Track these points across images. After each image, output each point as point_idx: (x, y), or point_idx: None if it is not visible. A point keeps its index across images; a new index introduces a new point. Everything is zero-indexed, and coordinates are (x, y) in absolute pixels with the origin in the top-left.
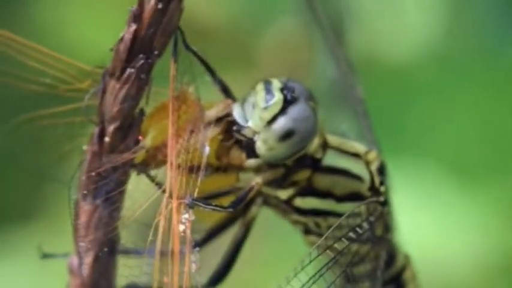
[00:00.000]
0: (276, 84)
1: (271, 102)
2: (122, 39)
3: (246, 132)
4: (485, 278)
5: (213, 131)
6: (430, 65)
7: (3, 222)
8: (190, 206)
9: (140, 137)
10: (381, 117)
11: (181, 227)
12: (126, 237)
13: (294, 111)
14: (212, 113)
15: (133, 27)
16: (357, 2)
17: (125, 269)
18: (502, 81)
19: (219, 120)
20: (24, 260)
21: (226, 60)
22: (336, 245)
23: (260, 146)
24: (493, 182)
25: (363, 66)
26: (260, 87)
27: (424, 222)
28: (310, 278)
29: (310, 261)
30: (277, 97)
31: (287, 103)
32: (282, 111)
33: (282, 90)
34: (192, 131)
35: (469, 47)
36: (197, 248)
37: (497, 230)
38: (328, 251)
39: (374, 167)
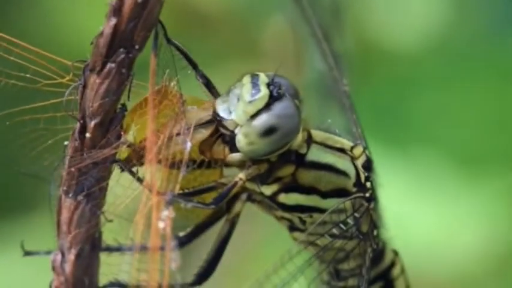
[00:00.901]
0: (263, 78)
1: (257, 96)
2: (101, 33)
3: (227, 124)
4: (492, 268)
5: (202, 134)
6: (436, 53)
7: (8, 212)
8: (171, 203)
9: (122, 133)
10: (387, 107)
11: (161, 224)
12: (108, 234)
13: (279, 107)
14: (196, 116)
15: (113, 21)
16: None
17: (107, 266)
18: (509, 71)
19: (205, 123)
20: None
21: (226, 49)
22: (318, 241)
23: (240, 140)
24: (500, 172)
25: (370, 56)
26: (246, 80)
27: (431, 212)
28: (291, 274)
29: (290, 258)
30: (263, 92)
31: (272, 99)
32: (267, 106)
33: (268, 85)
34: (173, 126)
35: (475, 35)
36: (177, 246)
37: (504, 220)
38: (310, 247)
39: (360, 162)
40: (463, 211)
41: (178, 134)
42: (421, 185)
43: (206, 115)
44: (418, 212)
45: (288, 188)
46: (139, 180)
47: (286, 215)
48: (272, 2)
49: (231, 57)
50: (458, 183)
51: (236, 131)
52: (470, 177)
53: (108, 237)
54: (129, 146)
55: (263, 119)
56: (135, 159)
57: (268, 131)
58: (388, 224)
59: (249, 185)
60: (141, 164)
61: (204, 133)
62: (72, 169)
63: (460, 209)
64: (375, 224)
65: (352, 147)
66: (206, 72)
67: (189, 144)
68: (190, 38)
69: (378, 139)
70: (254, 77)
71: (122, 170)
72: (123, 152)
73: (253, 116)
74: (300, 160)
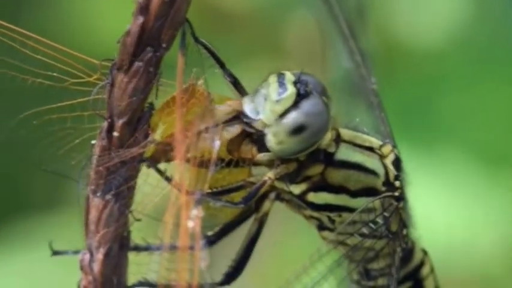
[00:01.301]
0: (289, 77)
1: (284, 95)
2: (128, 32)
3: (256, 125)
4: None
5: (231, 133)
6: (462, 52)
7: (28, 212)
8: (200, 202)
9: (149, 131)
10: (412, 106)
11: (190, 223)
12: (136, 233)
13: (307, 105)
14: (222, 113)
15: (141, 19)
16: None
17: (135, 266)
18: None
19: (232, 120)
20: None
21: (251, 47)
22: (347, 241)
23: (270, 140)
24: None
25: (394, 55)
26: (273, 79)
27: (455, 211)
28: (320, 274)
29: (320, 257)
30: (290, 90)
31: (300, 97)
32: (295, 105)
33: (295, 83)
34: (201, 125)
35: (499, 33)
36: (206, 245)
37: None
38: (340, 246)
39: (389, 160)
40: (487, 210)
41: (205, 133)
42: (446, 185)
43: (233, 114)
44: (442, 212)
45: (317, 187)
46: (168, 179)
47: (315, 214)
48: None
49: (255, 55)
50: (483, 183)
51: (265, 130)
52: (495, 177)
53: (136, 236)
54: (157, 145)
55: (292, 118)
56: (160, 156)
57: (298, 129)
58: (416, 223)
59: (277, 184)
60: (167, 160)
61: (233, 132)
62: (100, 168)
63: (485, 208)
64: (404, 223)
65: (381, 146)
66: (217, 74)
67: (217, 143)
68: (215, 36)
69: (403, 138)
70: (280, 76)
71: (149, 167)
72: (148, 149)
73: (282, 115)
74: (328, 159)
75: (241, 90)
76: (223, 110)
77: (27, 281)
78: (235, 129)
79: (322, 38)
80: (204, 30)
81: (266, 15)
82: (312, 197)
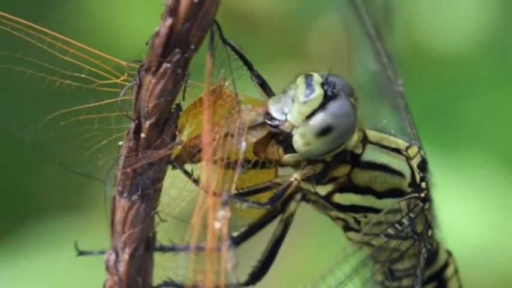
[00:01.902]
0: (317, 78)
1: (311, 96)
2: (157, 33)
3: (284, 126)
4: None
5: (257, 135)
6: (485, 56)
7: (56, 212)
8: (227, 203)
9: (176, 133)
10: (436, 109)
11: (217, 224)
12: (162, 234)
13: (334, 107)
14: (251, 117)
15: (169, 21)
16: None
17: (161, 267)
18: None
19: (260, 124)
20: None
21: (276, 50)
22: (373, 241)
23: (297, 141)
24: None
25: (418, 59)
26: (300, 81)
27: (479, 215)
28: (345, 274)
29: (346, 258)
30: (318, 92)
31: (327, 98)
32: (322, 106)
33: (322, 85)
34: (228, 126)
35: None
36: (233, 246)
37: None
38: (365, 247)
39: (415, 162)
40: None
41: (232, 134)
42: (470, 188)
43: (261, 117)
44: (466, 215)
45: (343, 188)
46: (195, 181)
47: (341, 215)
48: (321, 2)
49: (279, 58)
50: (506, 186)
51: (292, 132)
52: None
53: (163, 237)
54: (183, 146)
55: (319, 119)
56: (187, 157)
57: (325, 131)
58: (441, 224)
59: (303, 185)
60: (193, 162)
61: (259, 134)
62: (127, 169)
63: (509, 212)
64: (429, 225)
65: (407, 148)
66: (245, 76)
67: (244, 145)
68: (239, 39)
69: (427, 142)
70: (308, 77)
71: (175, 169)
72: (175, 151)
73: (309, 117)
74: (355, 160)
75: (268, 92)
76: (252, 113)
77: (51, 282)
78: (262, 132)
79: (348, 40)
80: (229, 32)
81: (291, 18)
82: (338, 198)
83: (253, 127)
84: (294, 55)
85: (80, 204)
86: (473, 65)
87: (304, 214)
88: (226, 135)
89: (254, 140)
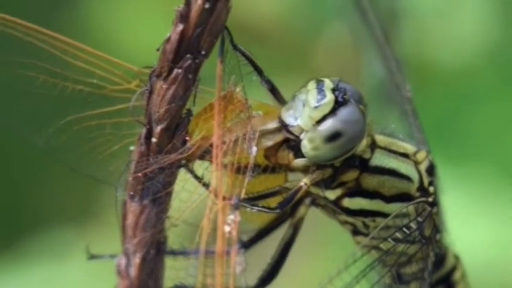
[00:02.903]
0: (328, 84)
1: (323, 102)
2: (168, 39)
3: (294, 129)
4: None
5: (269, 142)
6: (492, 69)
7: (59, 224)
8: (236, 207)
9: (187, 138)
10: (442, 122)
11: (227, 228)
12: (173, 238)
13: (344, 113)
14: (262, 123)
15: (180, 27)
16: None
17: (172, 270)
18: None
19: (275, 131)
20: (80, 261)
21: (282, 62)
22: (381, 245)
23: (306, 145)
24: None
25: (425, 72)
26: (312, 86)
27: (486, 229)
28: (354, 278)
29: (354, 261)
30: (329, 97)
31: (338, 104)
32: (332, 112)
33: (333, 91)
34: (239, 131)
35: None
36: (242, 250)
37: None
38: (373, 250)
39: (423, 167)
40: None
41: (244, 139)
42: (476, 201)
43: (273, 123)
44: (472, 228)
45: (352, 193)
46: (205, 185)
47: (350, 219)
48: (328, 13)
49: (287, 71)
50: None
51: (301, 136)
52: None
53: (175, 241)
54: (194, 150)
55: (329, 124)
56: (195, 156)
57: (334, 136)
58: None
59: (313, 189)
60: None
61: (271, 141)
62: (138, 174)
63: None
64: (437, 229)
65: (415, 152)
66: (255, 81)
67: (254, 149)
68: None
69: (434, 154)
70: (319, 83)
71: (186, 172)
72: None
73: (319, 122)
74: (364, 165)
75: (278, 97)
76: (263, 119)
77: None
78: (276, 138)
79: (355, 45)
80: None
81: (298, 31)
82: (347, 202)
83: (269, 132)
84: (301, 67)
85: (83, 216)
86: (480, 78)
87: (316, 224)
88: (236, 140)
89: (270, 144)
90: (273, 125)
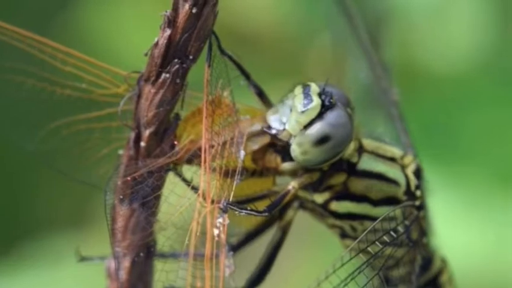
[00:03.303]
0: (315, 88)
1: (309, 106)
2: (156, 44)
3: (282, 135)
4: None
5: (256, 145)
6: (483, 74)
7: (53, 230)
8: (225, 210)
9: (175, 142)
10: (434, 127)
11: (216, 231)
12: (162, 241)
13: (331, 116)
14: (249, 126)
15: (168, 32)
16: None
17: (162, 273)
18: None
19: (260, 134)
20: (74, 268)
21: (275, 68)
22: (369, 248)
23: (295, 149)
24: None
25: (416, 77)
26: (298, 90)
27: (477, 232)
28: (342, 281)
29: (343, 264)
30: (316, 102)
31: (325, 108)
32: (319, 116)
33: (320, 95)
34: (226, 135)
35: None
36: (231, 252)
37: None
38: (361, 254)
39: (410, 170)
40: (510, 231)
41: (232, 143)
42: (468, 206)
43: (258, 125)
44: (464, 232)
45: (340, 196)
46: (194, 188)
47: (338, 222)
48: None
49: (279, 78)
50: (505, 204)
51: (290, 141)
52: None
53: (163, 244)
54: (182, 154)
55: (316, 128)
56: (182, 163)
57: (322, 140)
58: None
59: (301, 193)
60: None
61: (261, 142)
62: (127, 178)
63: (507, 229)
64: (424, 232)
65: (402, 156)
66: (243, 86)
67: (243, 153)
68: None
69: (425, 159)
70: (306, 87)
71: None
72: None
73: (307, 126)
74: (351, 169)
75: (266, 101)
76: (250, 123)
77: None
78: (263, 140)
79: (338, 51)
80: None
81: (288, 37)
82: (335, 205)
83: (255, 135)
84: (294, 74)
85: (79, 221)
86: (471, 83)
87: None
88: (224, 144)
89: (256, 147)
90: (258, 127)
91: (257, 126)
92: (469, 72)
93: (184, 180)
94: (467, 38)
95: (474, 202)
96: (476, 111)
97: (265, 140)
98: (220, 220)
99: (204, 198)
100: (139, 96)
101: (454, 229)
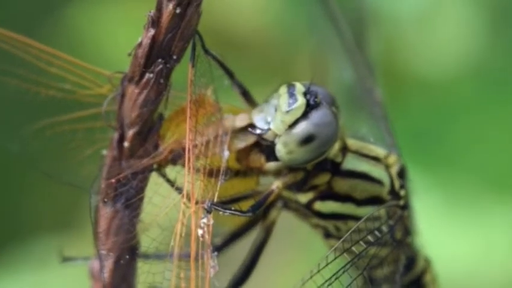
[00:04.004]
0: (300, 88)
1: (294, 106)
2: (140, 44)
3: (267, 135)
4: None
5: (241, 143)
6: (471, 79)
7: (40, 231)
8: (209, 211)
9: (159, 142)
10: (421, 132)
11: (200, 232)
12: (147, 242)
13: (316, 116)
14: (233, 124)
15: (152, 32)
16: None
17: (146, 275)
18: None
19: (246, 132)
20: (60, 270)
21: (264, 71)
22: (353, 248)
23: (280, 149)
24: None
25: (404, 82)
26: (283, 90)
27: (464, 237)
28: (326, 281)
29: (327, 264)
30: (300, 101)
31: (310, 107)
32: (304, 115)
33: (305, 94)
34: (211, 135)
35: (510, 60)
36: (216, 253)
37: None
38: (345, 254)
39: (394, 170)
40: (496, 236)
41: (216, 143)
42: (456, 210)
43: (243, 124)
44: (451, 237)
45: (324, 196)
46: (178, 189)
47: (322, 222)
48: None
49: (269, 78)
50: (492, 208)
51: (275, 141)
52: (505, 202)
53: (148, 245)
54: (166, 155)
55: (301, 128)
56: (167, 162)
57: (307, 139)
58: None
59: (285, 193)
60: (174, 164)
61: (244, 143)
62: (111, 178)
63: (494, 234)
64: (408, 231)
65: (386, 156)
66: (227, 86)
67: (227, 153)
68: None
69: (413, 163)
70: (290, 87)
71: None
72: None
73: (292, 126)
74: (335, 169)
75: (250, 101)
76: (233, 121)
77: None
78: (247, 140)
79: (324, 52)
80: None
81: (278, 38)
82: (319, 205)
83: (241, 133)
84: (283, 76)
85: (67, 223)
86: (460, 87)
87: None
88: (208, 144)
89: (241, 145)
90: (242, 123)
91: (241, 123)
92: (458, 77)
93: (168, 181)
94: (456, 43)
95: (461, 205)
96: (464, 115)
97: (251, 139)
98: (205, 220)
99: (188, 199)
100: (122, 97)
101: (441, 232)
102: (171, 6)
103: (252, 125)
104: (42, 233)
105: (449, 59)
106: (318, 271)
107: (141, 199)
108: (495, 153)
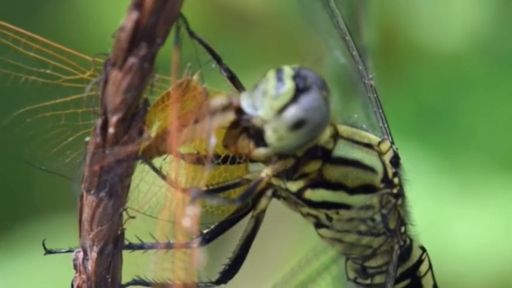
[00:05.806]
0: (288, 72)
1: (282, 90)
2: (123, 27)
3: (255, 121)
4: None
5: (220, 121)
6: (480, 54)
7: (46, 214)
8: (196, 199)
9: (144, 128)
10: (430, 108)
11: (187, 221)
12: (131, 232)
13: (306, 100)
14: (217, 103)
15: (135, 15)
16: None
17: (130, 265)
18: None
19: (225, 109)
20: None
21: (274, 50)
22: (345, 238)
23: (270, 136)
24: None
25: (413, 57)
26: (271, 74)
27: (473, 216)
28: (316, 271)
29: (316, 255)
30: (289, 85)
31: (299, 92)
32: (293, 100)
33: (294, 78)
34: (197, 120)
35: None
36: (203, 243)
37: None
38: (337, 243)
39: (387, 157)
40: (506, 216)
41: (201, 128)
42: (464, 189)
43: (223, 103)
44: (459, 216)
45: (314, 184)
46: (164, 177)
47: (313, 211)
48: None
49: (268, 61)
50: (501, 187)
51: (264, 127)
52: None
53: (132, 234)
54: (151, 141)
55: (291, 113)
56: (154, 151)
57: (298, 125)
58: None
59: (274, 181)
60: (161, 154)
61: (224, 119)
62: (95, 166)
63: (503, 213)
64: (402, 221)
65: (379, 143)
66: (244, 74)
67: (213, 140)
68: (229, 41)
69: (421, 141)
70: (279, 71)
71: (144, 164)
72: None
73: (281, 111)
74: (326, 156)
75: (238, 86)
76: (219, 101)
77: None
78: (227, 117)
79: (314, 35)
80: (218, 35)
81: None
82: (309, 194)
83: (219, 110)
84: (290, 54)
85: (47, 205)
86: (468, 64)
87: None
88: (194, 129)
89: (220, 123)
90: (221, 101)
91: (220, 101)
92: (467, 53)
93: (153, 168)
94: (464, 19)
95: (472, 184)
96: (473, 93)
97: (230, 116)
98: (191, 209)
99: (175, 187)
100: (106, 82)
101: (452, 213)
102: None
103: (240, 111)
104: (50, 214)
105: (459, 33)
106: (308, 262)
107: (126, 187)
108: (506, 131)
